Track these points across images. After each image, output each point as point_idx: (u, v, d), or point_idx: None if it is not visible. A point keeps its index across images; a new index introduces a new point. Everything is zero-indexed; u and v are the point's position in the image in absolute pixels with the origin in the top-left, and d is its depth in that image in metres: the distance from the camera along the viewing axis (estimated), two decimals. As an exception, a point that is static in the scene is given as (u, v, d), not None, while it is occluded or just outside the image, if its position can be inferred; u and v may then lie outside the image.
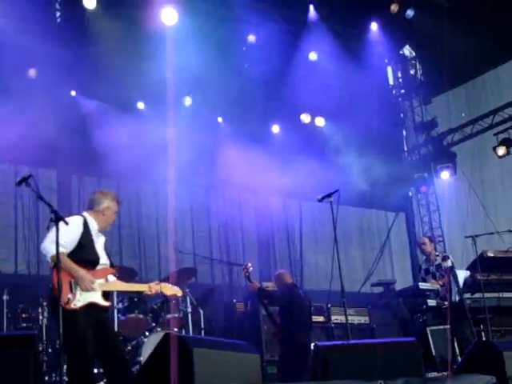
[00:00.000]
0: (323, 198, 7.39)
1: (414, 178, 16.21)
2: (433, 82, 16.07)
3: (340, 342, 5.84)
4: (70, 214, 5.96)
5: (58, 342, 8.26)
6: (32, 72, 11.60)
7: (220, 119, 14.17)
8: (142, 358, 8.00)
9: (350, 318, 8.08)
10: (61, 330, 4.60)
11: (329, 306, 11.31)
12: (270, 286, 11.18)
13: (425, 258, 10.29)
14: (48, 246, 5.72)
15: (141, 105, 13.04)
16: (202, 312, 9.88)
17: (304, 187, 12.97)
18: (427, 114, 16.47)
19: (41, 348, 8.29)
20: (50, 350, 8.37)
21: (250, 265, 9.55)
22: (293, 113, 14.54)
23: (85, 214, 6.30)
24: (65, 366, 7.89)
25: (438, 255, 10.02)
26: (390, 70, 17.32)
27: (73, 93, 12.32)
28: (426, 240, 10.25)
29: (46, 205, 5.26)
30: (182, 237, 13.63)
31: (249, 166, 12.81)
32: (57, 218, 5.18)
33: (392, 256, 16.61)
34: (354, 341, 6.04)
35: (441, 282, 9.37)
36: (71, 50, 11.52)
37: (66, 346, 4.94)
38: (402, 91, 17.20)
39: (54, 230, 5.51)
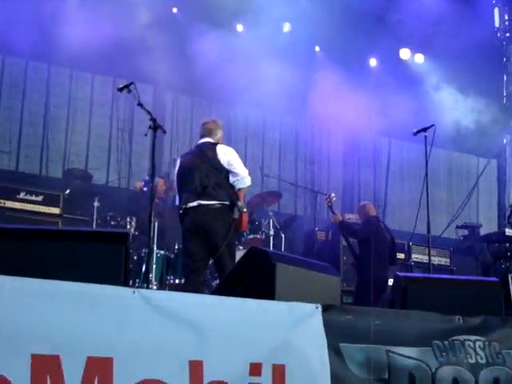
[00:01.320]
0: (419, 131, 7.32)
1: (510, 125, 15.71)
2: (540, 27, 15.41)
3: (421, 275, 5.86)
4: (164, 130, 6.11)
5: (143, 250, 8.65)
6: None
7: (317, 48, 14.00)
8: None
9: (430, 258, 8.00)
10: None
11: (410, 244, 11.28)
12: (352, 217, 11.22)
13: None
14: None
15: (240, 27, 12.98)
16: (283, 236, 10.02)
17: (396, 125, 12.80)
18: (530, 60, 15.85)
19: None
20: (135, 258, 8.68)
21: (333, 195, 9.56)
22: (392, 47, 14.23)
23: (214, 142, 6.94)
24: (150, 274, 8.31)
25: None
26: (496, 11, 16.64)
27: (174, 10, 12.37)
28: None
29: (146, 112, 5.40)
30: (268, 163, 13.73)
31: (342, 99, 12.67)
32: (155, 126, 5.30)
33: (479, 202, 16.31)
34: (436, 275, 6.05)
35: None
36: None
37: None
38: (507, 35, 16.52)
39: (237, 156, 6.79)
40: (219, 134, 7.08)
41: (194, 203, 6.70)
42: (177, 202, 7.08)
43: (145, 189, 9.31)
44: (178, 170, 7.05)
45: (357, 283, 9.29)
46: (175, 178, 7.12)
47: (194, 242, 6.75)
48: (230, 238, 6.63)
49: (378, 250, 9.00)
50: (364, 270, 8.96)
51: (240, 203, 6.77)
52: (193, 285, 6.56)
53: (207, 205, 6.65)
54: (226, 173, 6.77)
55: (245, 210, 6.91)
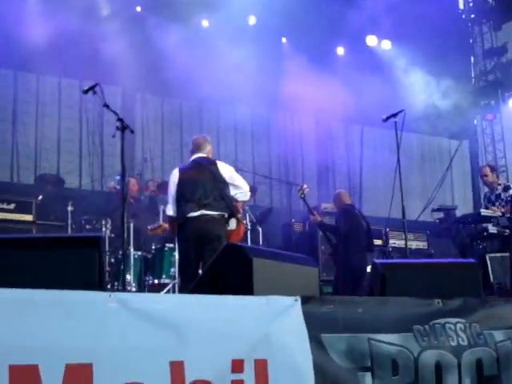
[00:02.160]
0: (388, 117, 7.34)
1: (480, 106, 15.83)
2: (504, 8, 15.49)
3: (398, 261, 5.87)
4: (134, 130, 6.12)
5: (120, 252, 8.58)
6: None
7: (284, 39, 13.99)
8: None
9: (408, 242, 8.04)
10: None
11: (387, 229, 11.33)
12: (328, 206, 11.25)
13: (487, 188, 10.15)
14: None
15: (205, 22, 12.92)
16: (260, 230, 10.02)
17: (367, 112, 12.84)
18: (497, 40, 15.97)
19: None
20: (112, 261, 8.63)
21: (305, 186, 9.59)
22: (358, 35, 14.26)
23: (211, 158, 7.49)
24: (127, 276, 8.27)
25: (499, 184, 9.87)
26: (461, -7, 16.75)
27: (138, 9, 12.30)
28: (488, 170, 10.05)
29: (112, 112, 5.34)
30: (242, 157, 13.71)
31: (312, 89, 12.68)
32: (122, 126, 5.26)
33: (453, 184, 16.43)
34: (413, 260, 6.06)
35: (503, 210, 9.25)
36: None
37: None
38: (472, 16, 16.62)
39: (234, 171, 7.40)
40: (208, 147, 7.55)
41: (197, 213, 7.08)
42: (170, 212, 7.38)
43: (117, 186, 9.27)
44: (179, 183, 7.32)
45: (335, 272, 9.32)
46: (172, 190, 7.36)
47: (195, 251, 7.07)
48: None
49: (355, 238, 9.03)
50: (342, 259, 8.99)
51: (239, 215, 7.44)
52: None
53: (210, 214, 7.08)
54: (226, 186, 7.25)
55: (243, 221, 7.75)
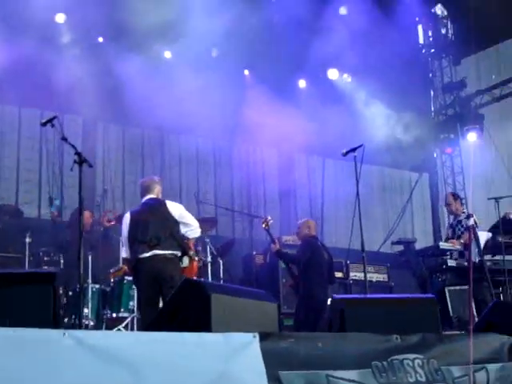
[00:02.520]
0: (348, 152, 7.38)
1: (439, 139, 16.04)
2: (463, 43, 15.77)
3: (357, 296, 5.88)
4: (95, 160, 6.11)
5: (78, 286, 8.46)
6: (59, 17, 11.58)
7: (246, 72, 14.06)
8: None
9: (368, 275, 8.07)
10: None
11: (348, 262, 11.34)
12: (289, 239, 11.24)
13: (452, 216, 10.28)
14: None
15: (168, 54, 12.94)
16: (221, 262, 9.97)
17: (328, 143, 12.91)
18: (456, 74, 16.25)
19: (61, 291, 8.41)
20: (70, 293, 8.49)
21: (269, 218, 9.61)
22: (320, 68, 14.40)
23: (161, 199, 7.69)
24: (85, 310, 8.15)
25: (464, 212, 9.99)
26: (420, 28, 17.02)
27: (100, 39, 12.27)
28: (451, 198, 10.19)
29: (71, 146, 5.31)
30: (204, 188, 13.69)
31: (274, 120, 12.74)
32: (80, 160, 5.21)
33: (413, 217, 16.56)
34: (372, 295, 6.07)
35: (462, 240, 9.35)
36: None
37: None
38: (432, 50, 16.91)
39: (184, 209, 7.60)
40: (157, 188, 7.74)
41: (149, 253, 7.22)
42: (124, 255, 7.61)
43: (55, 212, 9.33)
44: (130, 225, 7.47)
45: (297, 304, 9.29)
46: (125, 233, 7.52)
47: (152, 290, 7.23)
48: None
49: (317, 270, 9.03)
50: (303, 292, 8.98)
51: (191, 252, 7.63)
52: None
53: (162, 254, 7.23)
54: (177, 225, 7.42)
55: (196, 258, 8.00)
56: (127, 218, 7.57)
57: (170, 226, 7.36)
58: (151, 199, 7.61)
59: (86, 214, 9.30)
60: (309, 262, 9.04)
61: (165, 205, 7.52)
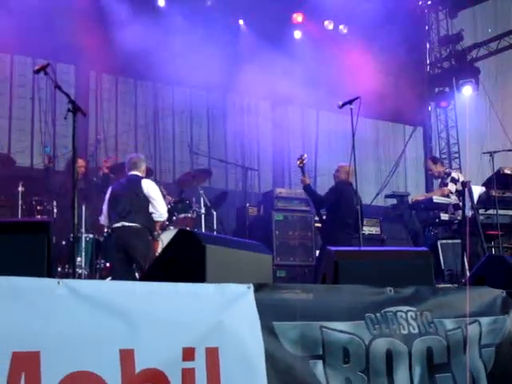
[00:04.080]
0: (344, 104, 7.33)
1: (434, 92, 15.97)
2: (460, -5, 15.63)
3: (351, 248, 5.88)
4: (88, 110, 6.05)
5: (71, 236, 8.45)
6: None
7: (241, 21, 13.88)
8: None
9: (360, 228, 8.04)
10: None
11: (341, 214, 11.34)
12: (283, 191, 11.25)
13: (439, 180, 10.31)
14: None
15: (161, 2, 12.74)
16: (214, 214, 9.98)
17: (323, 97, 12.84)
18: (453, 27, 16.09)
19: (54, 241, 8.40)
20: (63, 243, 8.49)
21: (305, 155, 9.51)
22: (316, 19, 14.22)
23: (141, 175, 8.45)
24: (78, 258, 8.19)
25: (446, 173, 10.01)
26: (417, -21, 16.79)
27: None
28: (431, 164, 10.23)
29: (64, 94, 5.25)
30: (197, 140, 13.62)
31: (269, 72, 12.64)
32: (74, 108, 5.15)
33: (407, 170, 16.58)
34: (366, 247, 6.08)
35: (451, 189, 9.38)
36: None
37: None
38: (429, 2, 16.70)
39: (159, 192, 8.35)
40: (143, 166, 8.58)
41: (119, 224, 8.10)
42: (102, 222, 8.63)
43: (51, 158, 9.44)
44: (109, 197, 8.38)
45: (320, 249, 9.16)
46: (105, 203, 8.44)
47: (120, 256, 8.14)
48: (150, 256, 8.01)
49: (342, 215, 8.86)
50: (326, 237, 8.80)
51: (155, 233, 8.45)
52: None
53: (129, 226, 8.06)
54: (146, 202, 8.21)
55: (158, 239, 8.62)
56: (109, 190, 8.44)
57: (139, 202, 8.14)
58: (133, 175, 8.40)
59: (80, 161, 9.25)
60: (334, 205, 8.88)
61: (140, 182, 8.29)
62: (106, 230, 8.87)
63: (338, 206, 8.87)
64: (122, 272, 7.95)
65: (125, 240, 8.06)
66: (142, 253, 8.05)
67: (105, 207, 8.45)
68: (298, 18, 14.18)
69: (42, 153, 10.60)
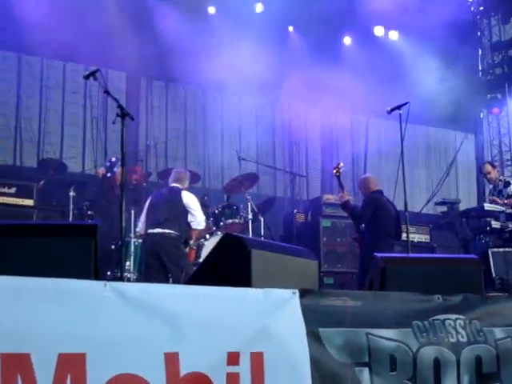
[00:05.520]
0: (393, 109, 7.28)
1: (486, 99, 15.70)
2: (513, 1, 15.36)
3: (399, 255, 5.81)
4: (138, 116, 6.11)
5: (120, 241, 8.53)
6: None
7: (291, 28, 13.87)
8: (201, 260, 8.19)
9: (410, 235, 7.96)
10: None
11: (389, 222, 11.23)
12: (331, 198, 11.19)
13: (491, 185, 10.12)
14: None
15: (212, 9, 12.82)
16: (262, 219, 9.96)
17: (372, 103, 12.74)
18: (505, 33, 15.83)
19: (104, 245, 8.48)
20: (112, 247, 8.57)
21: (341, 164, 9.43)
22: (366, 25, 14.13)
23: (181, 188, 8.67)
24: (127, 263, 8.27)
25: (500, 180, 9.83)
26: (469, -15, 16.57)
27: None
28: (490, 168, 10.03)
29: (113, 99, 5.29)
30: (246, 147, 13.64)
31: (318, 79, 12.60)
32: (123, 113, 5.21)
33: (458, 177, 16.34)
34: (414, 254, 6.00)
35: (505, 201, 9.20)
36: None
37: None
38: (481, 8, 16.46)
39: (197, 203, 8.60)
40: (186, 182, 8.86)
41: (155, 230, 8.30)
42: (138, 229, 8.77)
43: (108, 175, 9.57)
44: (148, 205, 8.60)
45: (360, 260, 9.08)
46: (144, 210, 8.65)
47: (152, 260, 8.29)
48: (182, 264, 8.29)
49: (382, 225, 8.74)
50: (367, 248, 8.70)
51: (191, 241, 8.66)
52: None
53: (164, 232, 8.27)
54: (185, 212, 8.42)
55: (194, 247, 8.87)
56: (149, 199, 8.68)
57: (178, 211, 8.35)
58: (174, 187, 8.65)
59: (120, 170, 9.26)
60: (373, 218, 8.79)
61: (180, 193, 8.52)
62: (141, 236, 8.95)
63: (375, 217, 8.76)
64: (153, 279, 7.97)
65: (158, 246, 8.23)
66: (175, 260, 8.24)
67: (143, 215, 8.64)
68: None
69: (102, 164, 10.72)
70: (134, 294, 3.34)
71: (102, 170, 9.86)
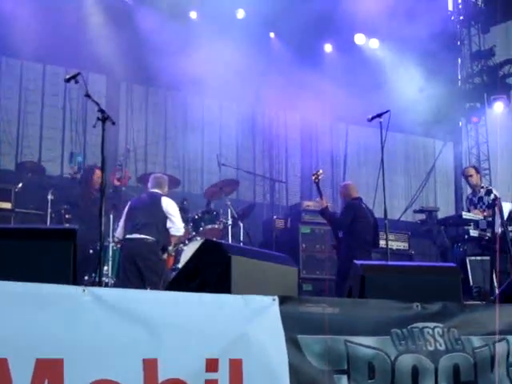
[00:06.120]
0: (373, 117, 7.31)
1: (465, 108, 15.81)
2: (493, 11, 15.47)
3: (378, 262, 5.83)
4: (118, 120, 6.09)
5: (98, 244, 8.47)
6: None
7: (272, 34, 13.88)
8: (180, 266, 8.16)
9: (389, 243, 7.97)
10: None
11: (368, 229, 11.26)
12: (310, 204, 11.20)
13: (471, 189, 10.16)
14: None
15: (193, 14, 12.80)
16: (241, 225, 9.96)
17: (352, 110, 12.77)
18: (485, 43, 15.96)
19: (82, 249, 8.42)
20: (91, 251, 8.53)
21: (321, 171, 9.40)
22: (347, 33, 14.18)
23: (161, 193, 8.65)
24: (105, 267, 8.22)
25: (482, 187, 9.89)
26: (450, -5, 16.71)
27: (126, -2, 12.19)
28: (473, 171, 10.08)
29: (94, 103, 5.27)
30: (226, 151, 13.62)
31: (298, 85, 12.62)
32: (103, 117, 5.18)
33: (436, 185, 16.42)
34: (393, 262, 6.02)
35: (485, 213, 9.26)
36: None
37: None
38: (461, 18, 16.59)
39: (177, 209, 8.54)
40: (166, 187, 8.85)
41: (132, 235, 8.26)
42: (117, 234, 8.71)
43: (78, 175, 9.89)
44: (127, 210, 8.56)
45: (338, 266, 9.09)
46: (123, 215, 8.61)
47: (129, 265, 8.25)
48: (160, 271, 8.32)
49: (360, 233, 8.77)
50: (344, 254, 8.71)
51: (170, 248, 8.64)
52: None
53: (142, 238, 8.23)
54: (164, 218, 8.40)
55: (172, 254, 8.84)
56: (128, 204, 8.64)
57: (157, 217, 8.33)
58: (154, 193, 8.64)
59: (97, 172, 9.23)
60: (352, 225, 8.82)
61: (160, 199, 8.51)
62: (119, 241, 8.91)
63: (354, 224, 8.79)
64: (130, 285, 7.91)
65: (136, 252, 8.20)
66: (152, 266, 8.23)
67: (122, 221, 8.60)
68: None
69: (69, 162, 10.64)
70: (113, 300, 3.32)
71: (74, 167, 9.92)
